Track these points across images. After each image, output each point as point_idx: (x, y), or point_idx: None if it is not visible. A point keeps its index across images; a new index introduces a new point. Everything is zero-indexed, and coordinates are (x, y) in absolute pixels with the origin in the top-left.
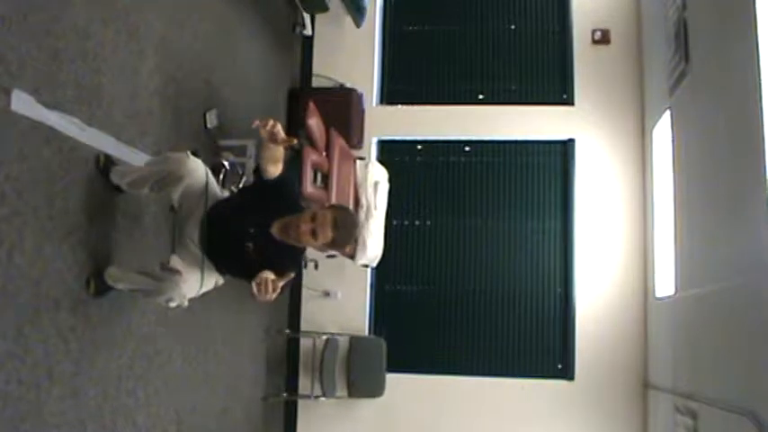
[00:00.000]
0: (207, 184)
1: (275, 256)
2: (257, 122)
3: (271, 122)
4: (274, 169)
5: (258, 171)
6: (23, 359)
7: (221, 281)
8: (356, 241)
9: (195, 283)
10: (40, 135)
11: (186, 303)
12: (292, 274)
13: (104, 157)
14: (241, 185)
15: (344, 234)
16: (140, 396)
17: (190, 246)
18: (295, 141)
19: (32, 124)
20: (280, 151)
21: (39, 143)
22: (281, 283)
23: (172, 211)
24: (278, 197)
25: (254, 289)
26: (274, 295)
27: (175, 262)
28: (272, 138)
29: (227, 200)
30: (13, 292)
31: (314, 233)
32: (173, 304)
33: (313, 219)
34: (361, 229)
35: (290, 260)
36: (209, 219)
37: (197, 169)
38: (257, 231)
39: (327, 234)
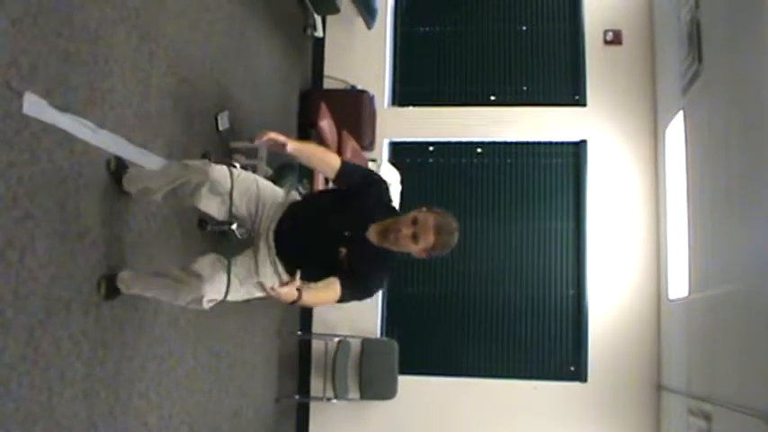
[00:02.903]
0: (232, 188)
1: (367, 261)
2: (256, 141)
3: (267, 136)
4: (330, 169)
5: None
6: (35, 361)
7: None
8: None
9: (218, 286)
10: (51, 138)
11: (207, 306)
12: (299, 272)
13: (115, 160)
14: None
15: (446, 239)
16: (152, 398)
17: (234, 250)
18: (286, 139)
19: (44, 127)
20: (318, 154)
21: (50, 146)
22: (283, 290)
23: (200, 227)
24: (369, 198)
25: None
26: (289, 298)
27: (199, 265)
28: (277, 147)
29: (306, 202)
30: (25, 294)
31: (415, 238)
32: (194, 306)
33: (414, 222)
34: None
35: (382, 267)
36: (290, 222)
37: (221, 177)
38: (353, 235)
39: (429, 239)
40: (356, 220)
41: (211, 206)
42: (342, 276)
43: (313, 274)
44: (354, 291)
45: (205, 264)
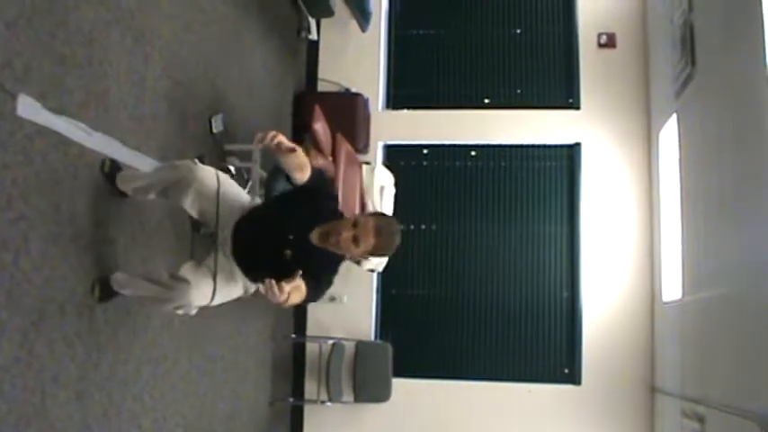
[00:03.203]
0: (219, 190)
1: (313, 263)
2: (259, 136)
3: (271, 135)
4: (301, 175)
5: (289, 179)
6: (29, 363)
7: (252, 290)
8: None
9: (205, 291)
10: (46, 140)
11: (194, 312)
12: (299, 273)
13: (110, 162)
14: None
15: (387, 241)
16: (146, 401)
17: (217, 254)
18: (299, 149)
19: (38, 129)
20: (301, 157)
21: (45, 148)
22: (288, 287)
23: (194, 230)
24: (316, 202)
25: (261, 290)
26: (292, 298)
27: (185, 271)
28: (278, 149)
29: (263, 206)
30: (19, 296)
31: (356, 240)
32: (180, 312)
33: (355, 225)
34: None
35: (327, 267)
36: (245, 225)
37: (206, 177)
38: (296, 238)
39: (369, 241)
40: (301, 223)
41: (195, 207)
42: (303, 277)
43: (262, 276)
44: (311, 291)
45: (190, 269)
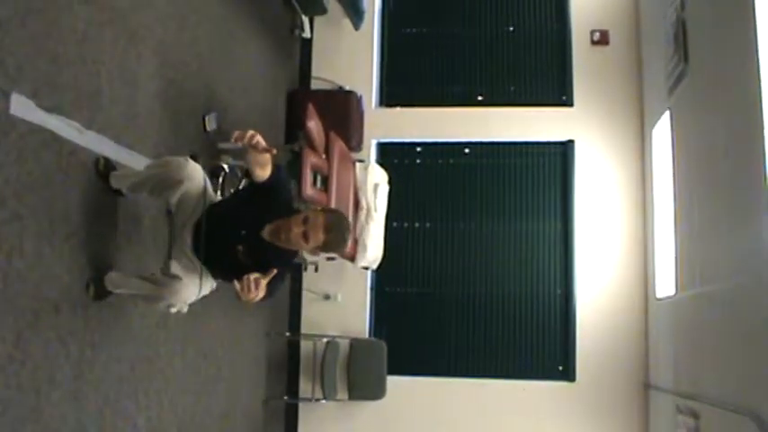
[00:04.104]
0: (205, 189)
1: (266, 258)
2: (237, 134)
3: (249, 134)
4: (262, 173)
5: (248, 174)
6: (23, 363)
7: (214, 284)
8: (356, 243)
9: (194, 288)
10: (39, 138)
11: (186, 309)
12: (275, 271)
13: (104, 161)
14: (235, 188)
15: (336, 237)
16: (141, 399)
17: (186, 250)
18: (275, 151)
19: (31, 128)
20: (266, 156)
21: (38, 147)
22: (264, 281)
23: (168, 215)
24: (270, 199)
25: (237, 287)
26: (259, 294)
27: (175, 268)
28: (253, 147)
29: (219, 203)
30: (13, 295)
31: (305, 236)
32: (173, 310)
33: (305, 222)
34: (360, 231)
35: (280, 263)
36: (202, 222)
37: (195, 174)
38: (248, 234)
39: (319, 237)
40: (254, 219)
41: (175, 201)
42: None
43: (225, 275)
44: (268, 287)
45: (179, 266)
